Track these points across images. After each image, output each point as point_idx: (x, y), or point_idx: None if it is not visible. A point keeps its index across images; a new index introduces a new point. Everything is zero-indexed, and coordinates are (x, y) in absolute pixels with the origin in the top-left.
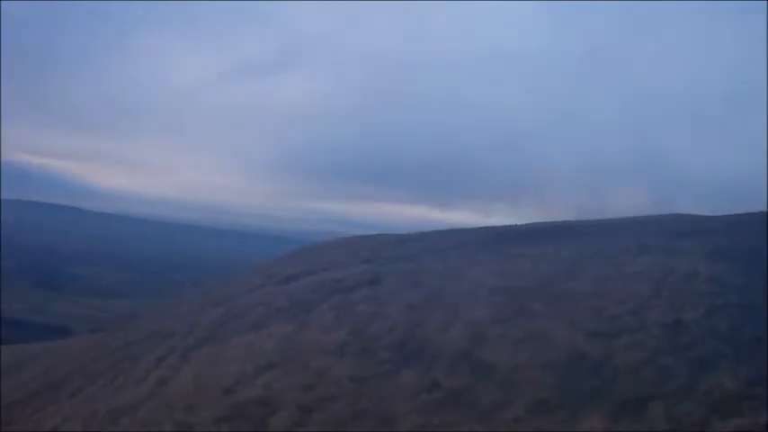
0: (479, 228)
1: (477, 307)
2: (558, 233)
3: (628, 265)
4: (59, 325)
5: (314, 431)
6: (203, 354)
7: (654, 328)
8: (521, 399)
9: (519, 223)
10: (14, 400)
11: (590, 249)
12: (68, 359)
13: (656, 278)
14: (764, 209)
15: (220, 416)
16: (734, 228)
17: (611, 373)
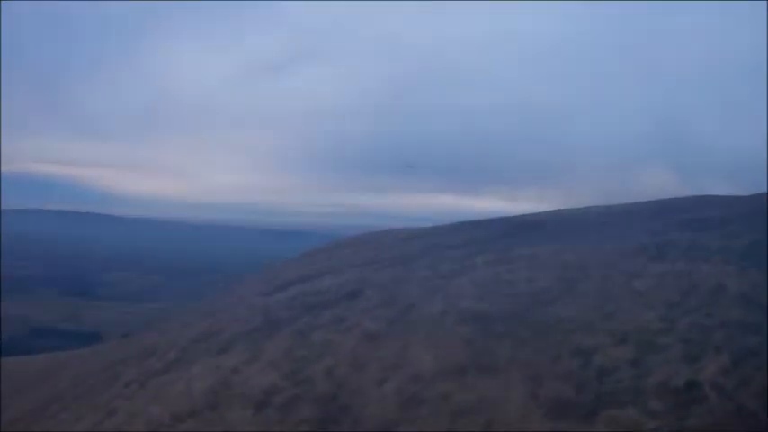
0: (497, 219)
1: (432, 345)
2: (575, 223)
3: (639, 275)
4: (90, 332)
5: None
6: (157, 384)
7: (654, 396)
8: None
9: (542, 210)
10: (12, 417)
11: (601, 250)
12: (74, 373)
13: (672, 298)
14: None
15: None
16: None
17: None
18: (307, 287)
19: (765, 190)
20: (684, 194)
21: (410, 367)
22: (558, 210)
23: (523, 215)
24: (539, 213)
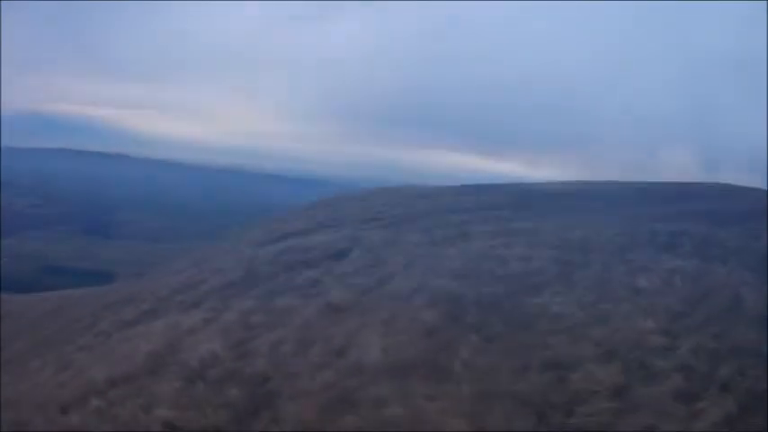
0: (511, 185)
1: (389, 331)
2: (589, 197)
3: (646, 269)
4: (104, 271)
5: None
6: (119, 338)
7: None
8: None
9: (559, 180)
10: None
11: (608, 231)
12: (72, 315)
13: (677, 306)
14: None
15: None
16: None
17: None
18: (299, 242)
19: None
20: (705, 180)
21: (356, 354)
22: (576, 181)
23: (538, 183)
24: (554, 183)
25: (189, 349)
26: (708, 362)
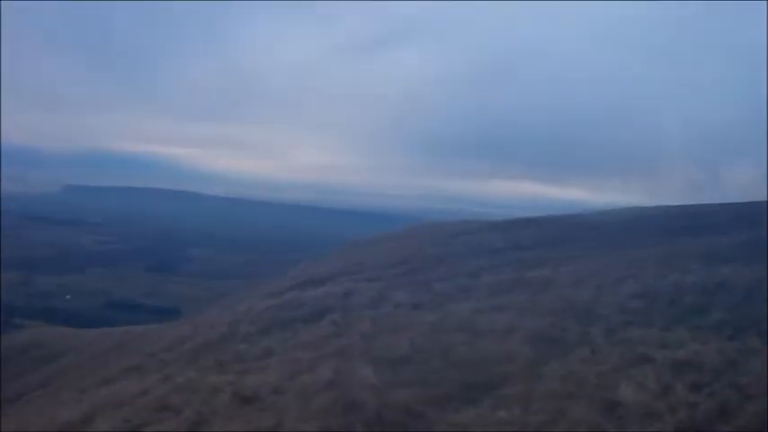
0: (559, 217)
1: None
2: (631, 229)
3: (644, 362)
4: (169, 307)
5: None
6: (75, 399)
7: None
8: None
9: (617, 207)
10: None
11: (627, 286)
12: (117, 353)
13: None
14: None
15: None
16: None
17: None
18: (295, 296)
19: None
20: None
21: None
22: (628, 208)
23: (590, 213)
24: (605, 212)
25: (101, 422)
26: None
